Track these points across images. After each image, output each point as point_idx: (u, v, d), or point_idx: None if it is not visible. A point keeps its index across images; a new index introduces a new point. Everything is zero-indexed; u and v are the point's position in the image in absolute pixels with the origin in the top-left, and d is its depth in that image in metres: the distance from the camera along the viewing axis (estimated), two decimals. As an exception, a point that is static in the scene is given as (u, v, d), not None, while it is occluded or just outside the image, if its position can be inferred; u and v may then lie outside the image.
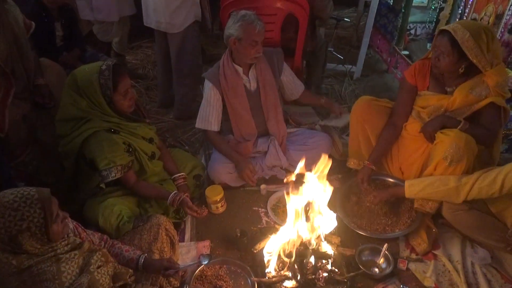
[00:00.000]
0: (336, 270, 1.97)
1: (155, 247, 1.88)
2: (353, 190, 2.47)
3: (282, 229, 1.95)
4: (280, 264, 1.94)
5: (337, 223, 2.21)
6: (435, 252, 2.14)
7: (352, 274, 1.98)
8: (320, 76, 3.60)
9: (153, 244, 1.88)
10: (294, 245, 1.90)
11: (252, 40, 2.30)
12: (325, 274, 1.93)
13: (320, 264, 1.94)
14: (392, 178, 2.49)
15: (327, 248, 1.99)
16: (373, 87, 3.92)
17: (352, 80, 4.03)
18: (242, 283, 1.98)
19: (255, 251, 2.06)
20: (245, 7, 2.71)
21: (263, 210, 2.46)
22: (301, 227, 1.88)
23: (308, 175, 1.85)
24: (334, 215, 1.97)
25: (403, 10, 3.76)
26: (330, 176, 2.45)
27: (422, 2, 4.21)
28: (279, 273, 1.92)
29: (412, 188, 2.14)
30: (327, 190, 1.90)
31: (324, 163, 1.87)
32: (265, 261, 1.97)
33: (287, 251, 1.92)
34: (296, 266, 1.89)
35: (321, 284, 1.90)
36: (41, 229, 1.29)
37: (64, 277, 1.28)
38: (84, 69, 2.01)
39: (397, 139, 2.44)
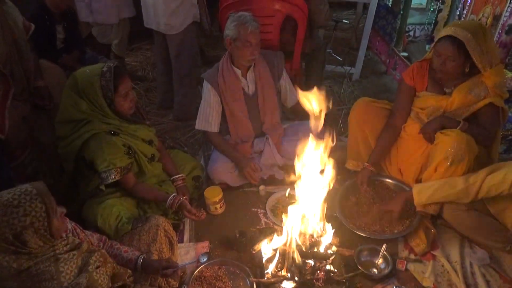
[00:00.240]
0: (335, 270, 1.97)
1: (154, 248, 1.88)
2: (351, 190, 2.47)
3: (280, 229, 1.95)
4: (279, 265, 1.94)
5: (336, 223, 2.23)
6: (434, 252, 2.14)
7: (351, 274, 1.98)
8: (319, 78, 3.60)
9: (152, 245, 1.89)
10: (292, 245, 1.90)
11: (245, 40, 2.29)
12: (324, 275, 1.93)
13: (319, 264, 1.94)
14: (391, 179, 2.50)
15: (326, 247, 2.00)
16: (372, 88, 3.93)
17: (351, 81, 4.04)
18: (241, 283, 1.98)
19: (254, 252, 2.06)
20: (244, 9, 2.72)
21: (262, 211, 2.46)
22: (300, 228, 1.89)
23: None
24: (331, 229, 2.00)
25: (401, 12, 3.77)
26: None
27: (421, 4, 4.23)
28: (278, 274, 1.92)
29: (421, 195, 2.13)
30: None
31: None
32: (264, 262, 1.97)
33: (286, 252, 1.92)
34: (294, 267, 1.90)
35: (320, 285, 1.90)
36: (44, 223, 1.29)
37: (63, 277, 1.28)
38: (85, 70, 2.01)
39: (396, 140, 2.45)
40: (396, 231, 2.21)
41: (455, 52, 2.02)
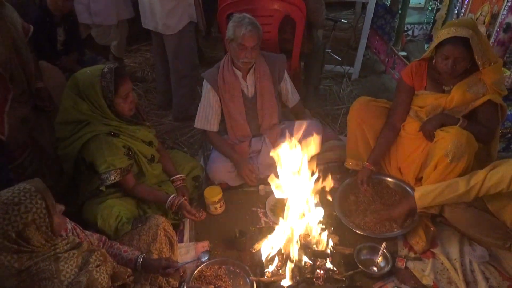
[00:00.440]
0: (335, 269, 1.98)
1: (154, 247, 1.89)
2: (351, 189, 2.48)
3: (279, 228, 1.95)
4: (279, 264, 1.95)
5: (335, 222, 2.24)
6: (433, 250, 2.14)
7: (350, 272, 1.98)
8: (318, 78, 3.61)
9: (152, 245, 1.89)
10: (292, 244, 1.90)
11: (239, 42, 2.28)
12: (324, 273, 1.93)
13: (318, 263, 1.95)
14: (391, 177, 2.50)
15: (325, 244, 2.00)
16: (371, 88, 3.93)
17: (350, 81, 4.05)
18: (241, 282, 1.98)
19: (253, 251, 2.06)
20: (242, 9, 2.73)
21: (261, 210, 2.47)
22: (299, 226, 1.90)
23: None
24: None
25: (400, 11, 3.77)
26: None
27: (419, 3, 4.24)
28: (278, 273, 1.92)
29: (423, 200, 2.13)
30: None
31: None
32: (264, 261, 1.97)
33: (285, 251, 1.93)
34: (294, 265, 1.90)
35: (320, 283, 1.91)
36: (45, 220, 1.29)
37: (63, 276, 1.29)
38: (85, 71, 2.02)
39: (395, 139, 2.45)
40: (396, 230, 2.22)
41: (464, 51, 2.03)
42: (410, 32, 4.07)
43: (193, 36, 3.09)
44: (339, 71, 4.14)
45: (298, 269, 1.91)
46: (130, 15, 3.69)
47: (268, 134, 2.62)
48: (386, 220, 2.26)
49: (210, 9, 3.61)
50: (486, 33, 2.57)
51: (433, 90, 2.29)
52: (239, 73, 2.46)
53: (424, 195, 2.12)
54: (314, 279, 1.90)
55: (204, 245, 2.22)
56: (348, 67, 4.11)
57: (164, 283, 1.85)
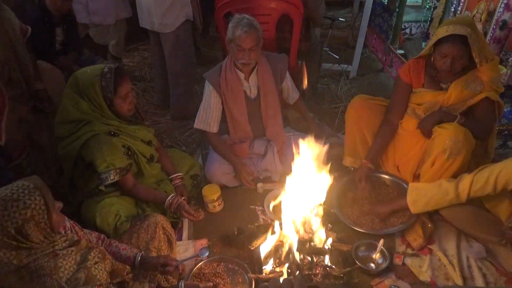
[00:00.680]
0: (333, 266, 1.98)
1: (152, 245, 1.90)
2: (349, 187, 2.48)
3: (277, 226, 1.96)
4: (277, 261, 1.96)
5: (334, 219, 2.25)
6: (431, 246, 2.15)
7: (348, 269, 1.99)
8: (316, 76, 3.62)
9: (151, 243, 1.90)
10: (290, 241, 1.91)
11: (236, 43, 2.26)
12: (322, 270, 1.94)
13: (316, 259, 1.96)
14: (388, 175, 2.51)
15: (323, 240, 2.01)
16: (369, 86, 3.94)
17: (348, 79, 4.06)
18: (240, 280, 1.99)
19: (252, 248, 2.07)
20: (240, 8, 2.74)
21: (260, 208, 2.47)
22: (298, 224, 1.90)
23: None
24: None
25: (397, 10, 3.79)
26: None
27: (417, 2, 4.25)
28: (276, 270, 1.93)
29: (416, 205, 2.14)
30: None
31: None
32: (262, 258, 1.98)
33: (283, 248, 1.93)
34: (292, 262, 1.91)
35: (318, 280, 1.91)
36: (44, 216, 1.30)
37: (62, 272, 1.29)
38: (86, 71, 2.02)
39: (393, 137, 2.46)
40: (393, 226, 2.23)
41: (462, 50, 2.04)
42: (407, 30, 4.08)
43: (190, 35, 3.09)
44: (337, 70, 4.15)
45: (296, 266, 1.91)
46: (128, 14, 3.70)
47: (275, 142, 2.61)
48: (368, 214, 2.29)
49: (208, 8, 3.62)
50: (483, 30, 2.58)
51: (430, 88, 2.31)
52: (241, 75, 2.44)
53: (416, 200, 2.14)
54: (312, 276, 1.91)
55: (203, 243, 2.22)
56: (346, 66, 4.12)
57: (163, 281, 1.86)
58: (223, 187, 2.50)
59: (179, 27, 2.94)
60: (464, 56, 2.07)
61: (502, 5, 2.40)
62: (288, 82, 2.64)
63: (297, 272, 1.90)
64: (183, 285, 1.70)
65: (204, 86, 2.55)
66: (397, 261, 2.07)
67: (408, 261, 2.09)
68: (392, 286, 1.91)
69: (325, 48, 4.17)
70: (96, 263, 1.38)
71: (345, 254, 2.08)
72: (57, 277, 1.26)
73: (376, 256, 2.07)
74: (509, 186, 1.86)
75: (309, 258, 1.94)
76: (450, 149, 2.06)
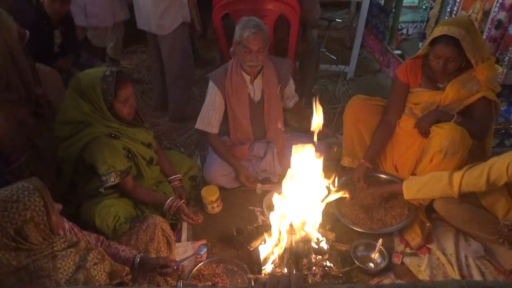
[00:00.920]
0: (332, 265, 1.99)
1: (151, 247, 1.90)
2: (347, 187, 2.48)
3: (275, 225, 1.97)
4: (276, 261, 1.96)
5: (332, 219, 2.25)
6: (429, 246, 2.16)
7: (347, 269, 2.00)
8: (313, 77, 3.63)
9: (150, 244, 1.91)
10: (289, 241, 1.92)
11: (244, 45, 2.27)
12: (321, 270, 1.94)
13: (315, 259, 1.96)
14: (386, 175, 2.52)
15: (322, 243, 2.01)
16: (367, 86, 3.95)
17: (345, 80, 4.06)
18: (239, 280, 2.00)
19: (251, 249, 2.08)
20: (237, 9, 2.75)
21: (258, 209, 2.48)
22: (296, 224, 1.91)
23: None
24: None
25: (394, 10, 3.80)
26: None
27: (413, 2, 4.27)
28: (275, 270, 1.94)
29: (410, 190, 2.16)
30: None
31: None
32: (261, 259, 1.99)
33: (282, 248, 1.94)
34: (291, 262, 1.91)
35: (317, 280, 1.92)
36: (43, 218, 1.30)
37: (60, 274, 1.30)
38: (88, 73, 2.04)
39: (391, 136, 2.47)
40: (391, 226, 2.24)
41: (454, 52, 2.05)
42: (404, 31, 4.10)
43: (187, 37, 3.10)
44: (335, 71, 4.16)
45: (295, 266, 1.92)
46: (126, 17, 3.70)
47: (275, 143, 2.62)
48: (366, 212, 2.33)
49: (206, 10, 3.63)
50: (479, 30, 2.60)
51: (427, 87, 2.32)
52: (247, 77, 2.45)
53: (411, 185, 2.16)
54: (311, 276, 1.91)
55: (202, 244, 2.23)
56: (343, 66, 4.13)
57: (162, 282, 1.86)
58: (221, 188, 2.51)
59: (176, 29, 2.95)
60: (456, 58, 2.08)
61: (497, 5, 2.41)
62: (290, 88, 2.65)
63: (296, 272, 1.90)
64: (181, 284, 1.71)
65: (208, 87, 2.53)
66: (396, 260, 2.08)
67: (407, 260, 2.09)
68: None
69: (323, 49, 4.18)
70: (95, 264, 1.39)
71: (344, 254, 2.09)
72: (56, 278, 1.26)
73: (375, 255, 2.08)
74: (501, 180, 1.87)
75: (308, 258, 1.94)
76: (446, 148, 2.07)
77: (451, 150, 2.07)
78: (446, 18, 2.99)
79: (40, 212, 1.29)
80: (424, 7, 3.91)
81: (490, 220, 2.04)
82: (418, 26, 4.03)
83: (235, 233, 2.20)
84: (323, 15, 3.62)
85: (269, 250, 1.97)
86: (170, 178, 2.36)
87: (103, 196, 2.10)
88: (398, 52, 3.88)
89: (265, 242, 2.00)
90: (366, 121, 2.50)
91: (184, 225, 2.35)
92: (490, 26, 2.48)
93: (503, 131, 2.86)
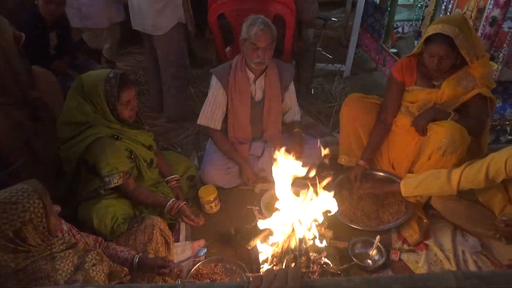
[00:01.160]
0: (330, 263, 1.99)
1: (150, 247, 1.90)
2: (344, 184, 2.50)
3: (274, 224, 1.97)
4: (274, 259, 1.96)
5: (330, 217, 2.25)
6: (427, 242, 2.17)
7: (345, 266, 2.01)
8: (310, 76, 3.64)
9: (148, 245, 1.90)
10: (287, 240, 1.92)
11: (252, 42, 2.27)
12: (319, 268, 1.95)
13: (313, 257, 1.97)
14: (383, 172, 2.52)
15: (320, 242, 2.02)
16: (363, 85, 3.97)
17: (341, 79, 4.08)
18: (238, 279, 2.00)
19: (249, 248, 2.08)
20: (233, 9, 2.75)
21: (256, 208, 2.48)
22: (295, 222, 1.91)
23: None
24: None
25: (389, 9, 3.82)
26: (322, 173, 2.50)
27: (408, 1, 4.29)
28: (274, 269, 1.94)
29: (407, 186, 2.18)
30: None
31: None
32: (260, 257, 1.99)
33: (280, 247, 1.94)
34: (289, 261, 1.92)
35: (315, 278, 1.92)
36: (42, 220, 1.30)
37: (59, 275, 1.30)
38: (91, 74, 2.05)
39: (387, 135, 2.48)
40: (389, 223, 2.25)
41: (448, 51, 2.06)
42: (400, 29, 4.12)
43: (182, 37, 3.10)
44: (331, 69, 4.18)
45: (294, 264, 1.92)
46: (122, 18, 3.70)
47: (273, 143, 2.62)
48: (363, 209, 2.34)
49: (202, 11, 3.63)
50: (473, 27, 2.61)
51: (423, 85, 2.32)
52: (251, 75, 2.45)
53: (409, 182, 2.17)
54: (310, 274, 1.92)
55: (200, 243, 2.23)
56: (339, 65, 4.15)
57: (161, 282, 1.86)
58: (219, 188, 2.51)
59: (171, 30, 2.95)
60: (450, 56, 2.09)
61: (492, 2, 2.42)
62: (291, 97, 2.65)
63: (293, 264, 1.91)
64: (179, 281, 1.71)
65: (210, 83, 2.53)
66: (394, 257, 2.09)
67: (405, 256, 2.10)
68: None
69: (319, 48, 4.19)
70: (93, 265, 1.39)
71: (342, 251, 2.10)
72: (55, 280, 1.26)
73: (373, 252, 2.09)
74: (499, 177, 1.88)
75: (306, 256, 1.95)
76: (445, 146, 2.08)
77: (450, 148, 2.08)
78: (441, 16, 3.00)
79: (39, 214, 1.29)
80: (419, 5, 3.93)
81: (486, 216, 2.05)
82: (413, 24, 4.05)
83: (233, 232, 2.20)
84: (318, 14, 3.63)
85: (268, 249, 1.98)
86: (167, 178, 2.37)
87: (101, 197, 2.10)
88: (394, 50, 3.89)
89: (264, 239, 2.00)
90: (363, 119, 2.50)
91: (182, 225, 2.35)
92: (484, 23, 2.49)
93: (498, 127, 2.88)
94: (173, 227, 2.30)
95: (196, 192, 2.48)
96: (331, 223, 2.22)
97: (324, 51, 4.41)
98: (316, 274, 1.92)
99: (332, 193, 1.87)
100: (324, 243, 2.03)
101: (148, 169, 2.24)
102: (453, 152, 2.08)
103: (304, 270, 1.91)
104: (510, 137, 2.94)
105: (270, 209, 2.44)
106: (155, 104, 3.57)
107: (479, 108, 2.21)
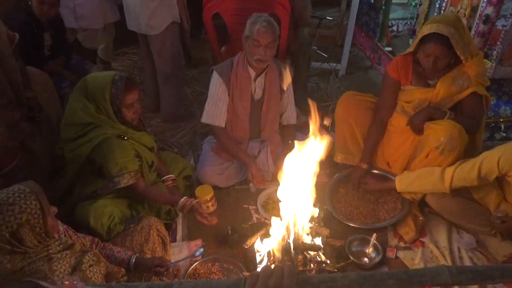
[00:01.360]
0: (327, 261, 2.00)
1: (146, 247, 1.90)
2: (341, 183, 2.51)
3: (272, 223, 1.98)
4: (271, 258, 1.97)
5: (326, 215, 2.27)
6: (423, 239, 2.19)
7: (342, 264, 2.02)
8: (305, 75, 3.64)
9: (145, 245, 1.90)
10: (284, 239, 1.93)
11: (254, 38, 2.27)
12: (316, 266, 1.96)
13: (310, 256, 1.98)
14: (379, 170, 2.53)
15: (316, 240, 2.03)
16: (358, 83, 3.98)
17: (337, 77, 4.09)
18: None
19: (246, 247, 2.08)
20: (228, 8, 2.75)
21: (253, 207, 2.49)
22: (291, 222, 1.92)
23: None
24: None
25: (383, 7, 3.82)
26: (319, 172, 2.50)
27: (403, -1, 4.30)
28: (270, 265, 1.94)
29: (402, 182, 2.20)
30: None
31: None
32: (256, 257, 2.00)
33: (277, 245, 1.95)
34: (286, 259, 1.92)
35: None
36: (39, 221, 1.30)
37: (56, 276, 1.29)
38: (98, 76, 2.05)
39: (384, 134, 2.49)
40: (385, 221, 2.26)
41: (444, 50, 2.07)
42: (394, 28, 4.12)
43: (177, 37, 3.09)
44: (326, 68, 4.19)
45: (290, 262, 1.93)
46: (116, 18, 3.68)
47: (270, 143, 2.62)
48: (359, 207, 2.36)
49: (197, 9, 3.62)
50: (467, 25, 2.62)
51: (418, 85, 2.33)
52: (252, 73, 2.45)
53: (403, 178, 2.19)
54: (307, 272, 1.92)
55: (197, 243, 2.23)
56: (334, 64, 4.16)
57: (158, 282, 1.86)
58: (215, 188, 2.51)
59: (166, 29, 2.94)
60: (446, 56, 2.10)
61: (485, 0, 2.44)
62: (289, 99, 2.65)
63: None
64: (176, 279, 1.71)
65: (210, 80, 2.52)
66: (390, 254, 2.10)
67: (401, 254, 2.12)
68: None
69: (314, 47, 4.20)
70: (90, 266, 1.39)
71: (338, 249, 2.11)
72: (52, 281, 1.26)
73: (369, 250, 2.10)
74: (492, 174, 1.89)
75: (303, 255, 1.95)
76: (444, 145, 2.09)
77: (448, 147, 2.09)
78: (435, 14, 3.01)
79: (36, 215, 1.29)
80: (413, 4, 3.94)
81: (481, 213, 2.07)
82: (408, 22, 4.06)
83: (229, 232, 2.20)
84: (314, 13, 3.64)
85: (265, 248, 1.98)
86: (163, 178, 2.36)
87: (98, 197, 2.09)
88: (389, 49, 3.90)
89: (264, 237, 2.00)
90: (357, 117, 2.51)
91: (179, 225, 2.35)
92: (478, 21, 2.50)
93: (492, 124, 2.90)
94: (170, 227, 2.30)
95: (192, 192, 2.47)
96: (327, 221, 2.24)
97: (319, 50, 4.42)
98: (313, 272, 1.93)
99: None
100: (321, 241, 2.04)
101: (149, 171, 2.24)
102: (451, 150, 2.09)
103: (301, 269, 1.91)
104: (504, 134, 2.96)
105: (266, 207, 2.45)
106: (151, 104, 3.56)
107: (475, 106, 2.22)
